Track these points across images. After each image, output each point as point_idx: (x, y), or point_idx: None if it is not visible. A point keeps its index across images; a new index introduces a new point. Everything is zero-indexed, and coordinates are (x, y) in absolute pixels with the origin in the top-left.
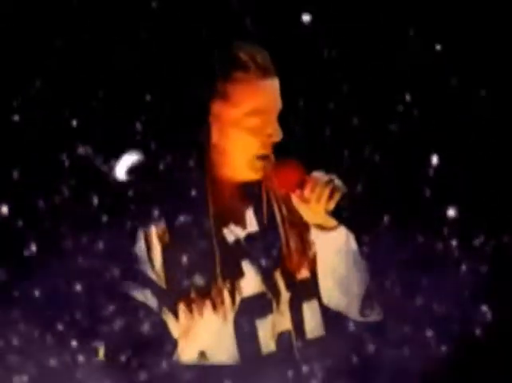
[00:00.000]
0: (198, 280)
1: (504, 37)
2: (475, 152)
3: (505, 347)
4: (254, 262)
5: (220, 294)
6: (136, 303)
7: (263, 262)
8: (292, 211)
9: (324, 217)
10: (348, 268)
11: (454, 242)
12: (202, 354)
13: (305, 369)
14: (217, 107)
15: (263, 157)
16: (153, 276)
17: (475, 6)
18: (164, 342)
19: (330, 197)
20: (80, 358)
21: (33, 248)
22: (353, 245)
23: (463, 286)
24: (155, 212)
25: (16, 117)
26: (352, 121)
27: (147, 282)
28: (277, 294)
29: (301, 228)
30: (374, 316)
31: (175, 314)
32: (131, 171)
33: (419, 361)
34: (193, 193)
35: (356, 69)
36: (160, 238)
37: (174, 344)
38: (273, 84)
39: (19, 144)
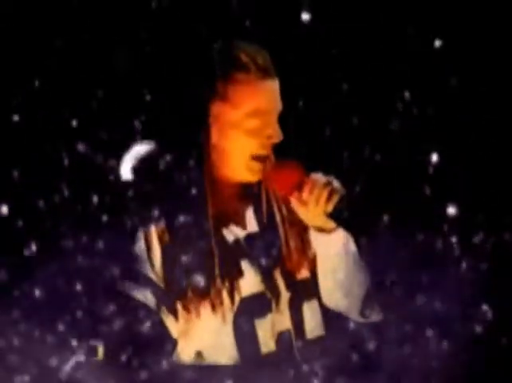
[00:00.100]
0: (197, 280)
1: (503, 34)
2: (475, 149)
3: (505, 345)
4: (254, 261)
5: (219, 294)
6: (136, 303)
7: (263, 261)
8: (292, 210)
9: (322, 219)
10: (347, 270)
11: (454, 240)
12: (199, 354)
13: (305, 368)
14: (217, 108)
15: (262, 158)
16: (152, 276)
17: (474, 3)
18: (164, 342)
19: (328, 199)
20: (81, 358)
21: (33, 248)
22: (352, 247)
23: (464, 283)
24: (155, 212)
25: (16, 117)
26: (351, 120)
27: (146, 282)
28: (276, 293)
29: (301, 228)
30: (374, 317)
31: (175, 314)
32: (140, 162)
33: (419, 359)
34: (192, 193)
35: (355, 68)
36: (160, 238)
37: (173, 344)
38: (273, 86)
39: (19, 144)
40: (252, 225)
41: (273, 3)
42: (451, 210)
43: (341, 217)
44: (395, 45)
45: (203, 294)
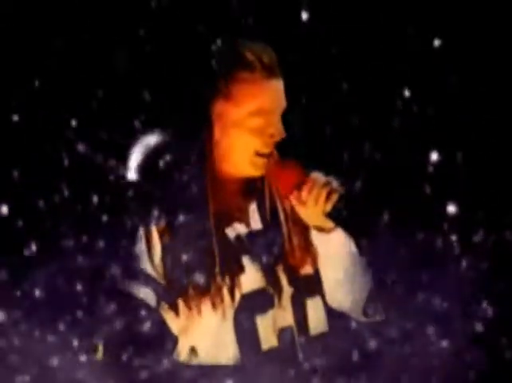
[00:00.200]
0: (198, 277)
1: (503, 33)
2: (475, 148)
3: (506, 343)
4: (256, 257)
5: (220, 290)
6: (136, 302)
7: (265, 257)
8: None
9: (321, 219)
10: (348, 269)
11: (454, 239)
12: (193, 350)
13: (306, 365)
14: (220, 106)
15: (265, 155)
16: (153, 273)
17: (474, 2)
18: (164, 341)
19: (327, 199)
20: (82, 358)
21: (33, 248)
22: (352, 247)
23: (464, 282)
24: (156, 209)
25: (16, 117)
26: (351, 118)
27: (146, 279)
28: (279, 289)
29: (305, 224)
30: (377, 316)
31: (176, 311)
32: (145, 159)
33: (419, 358)
34: (194, 190)
35: (354, 66)
36: (161, 235)
37: (174, 343)
38: (277, 85)
39: (19, 144)
40: (255, 221)
41: (273, 2)
42: (451, 208)
43: (340, 217)
44: (394, 44)
45: (204, 291)
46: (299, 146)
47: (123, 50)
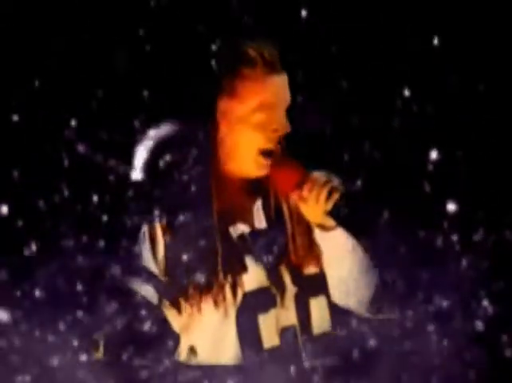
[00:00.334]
0: (201, 275)
1: (503, 31)
2: (475, 146)
3: (506, 342)
4: (259, 257)
5: (222, 289)
6: (137, 301)
7: (268, 256)
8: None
9: (323, 217)
10: (352, 267)
11: (454, 237)
12: (192, 350)
13: (308, 364)
14: (224, 103)
15: (269, 152)
16: (156, 270)
17: (473, 1)
18: (165, 340)
19: (328, 197)
20: (82, 357)
21: (33, 248)
22: (355, 245)
23: (464, 280)
24: (159, 207)
25: (15, 117)
26: (350, 117)
27: (149, 277)
28: (282, 288)
29: (308, 223)
30: (384, 314)
31: (178, 309)
32: (154, 152)
33: (420, 356)
34: (197, 188)
35: (354, 65)
36: (164, 233)
37: (175, 342)
38: (280, 80)
39: (19, 144)
40: (259, 220)
41: (273, 1)
42: (451, 207)
43: (340, 215)
44: (394, 43)
45: (206, 289)
46: (299, 145)
47: (123, 50)
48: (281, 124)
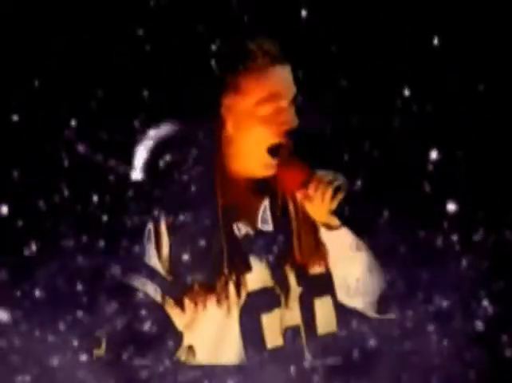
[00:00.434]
0: (205, 274)
1: (502, 31)
2: (475, 146)
3: (506, 342)
4: (264, 256)
5: (225, 288)
6: (138, 300)
7: (273, 256)
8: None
9: (328, 216)
10: (359, 266)
11: (454, 237)
12: (190, 349)
13: (310, 364)
14: (229, 100)
15: (276, 150)
16: (160, 268)
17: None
18: (166, 340)
19: (333, 197)
20: (82, 357)
21: (33, 248)
22: (360, 244)
23: (464, 280)
24: (164, 206)
25: (15, 117)
26: (350, 117)
27: (152, 274)
28: (286, 288)
29: (314, 223)
30: (390, 314)
31: (181, 306)
32: (157, 149)
33: (419, 356)
34: (202, 187)
35: (354, 65)
36: (168, 231)
37: (176, 342)
38: (282, 71)
39: (19, 144)
40: (265, 219)
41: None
42: (451, 207)
43: (344, 214)
44: (394, 43)
45: (210, 288)
46: (299, 145)
47: (122, 50)
48: (288, 116)
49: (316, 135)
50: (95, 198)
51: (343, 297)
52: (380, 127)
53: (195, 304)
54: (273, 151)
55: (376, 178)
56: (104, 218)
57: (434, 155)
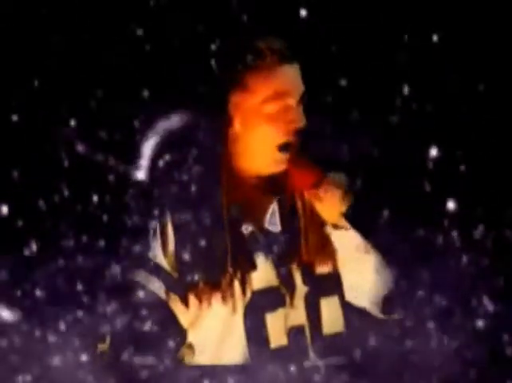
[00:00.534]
0: (210, 271)
1: (502, 29)
2: (475, 144)
3: (507, 340)
4: (269, 255)
5: (230, 286)
6: (139, 300)
7: (279, 255)
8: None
9: (338, 218)
10: (366, 268)
11: (454, 235)
12: (190, 347)
13: (316, 363)
14: (236, 97)
15: (286, 147)
16: (165, 265)
17: None
18: (167, 339)
19: (343, 199)
20: (83, 357)
21: (33, 248)
22: (368, 245)
23: (464, 278)
24: (170, 203)
25: (15, 117)
26: (350, 115)
27: (158, 271)
28: (291, 288)
29: (323, 222)
30: (396, 314)
31: (186, 303)
32: (173, 132)
33: (420, 354)
34: (208, 185)
35: (353, 63)
36: (174, 229)
37: (177, 341)
38: (291, 70)
39: (19, 144)
40: (273, 221)
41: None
42: (451, 205)
43: (352, 216)
44: (393, 41)
45: (215, 286)
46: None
47: (122, 50)
48: (296, 115)
49: (315, 134)
50: (95, 198)
51: (351, 297)
52: (379, 125)
53: (200, 301)
54: (283, 147)
55: (375, 176)
56: (105, 218)
57: (434, 153)
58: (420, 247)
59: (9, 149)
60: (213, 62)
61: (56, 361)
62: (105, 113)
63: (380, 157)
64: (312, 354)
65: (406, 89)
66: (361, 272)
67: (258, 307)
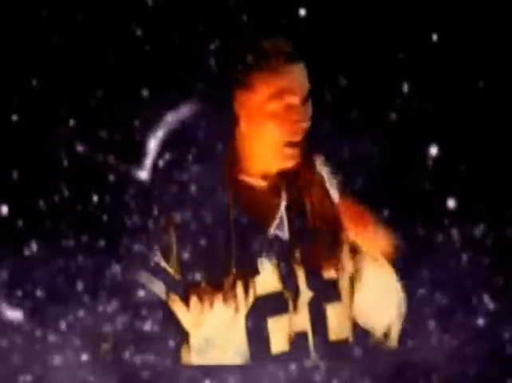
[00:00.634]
0: (212, 273)
1: (502, 27)
2: (475, 142)
3: (507, 338)
4: (274, 260)
5: (233, 288)
6: (139, 300)
7: (284, 259)
8: (325, 207)
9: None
10: (390, 303)
11: (454, 234)
12: (186, 347)
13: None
14: (241, 96)
15: (293, 145)
16: (168, 267)
17: None
18: (167, 339)
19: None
20: (84, 357)
21: (34, 248)
22: (391, 272)
23: (465, 276)
24: (173, 202)
25: (15, 117)
26: (350, 113)
27: (159, 272)
28: (295, 293)
29: (333, 227)
30: (392, 343)
31: (187, 304)
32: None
33: (420, 352)
34: (213, 185)
35: (353, 61)
36: (176, 229)
37: (177, 341)
38: (296, 70)
39: (19, 144)
40: (280, 227)
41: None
42: (451, 203)
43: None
44: (393, 39)
45: (217, 289)
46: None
47: (122, 50)
48: (302, 115)
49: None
50: (95, 198)
51: (361, 320)
52: (379, 123)
53: (202, 302)
54: (290, 145)
55: (375, 174)
56: (105, 217)
57: (434, 152)
58: (420, 246)
59: (9, 149)
60: (213, 62)
61: (56, 360)
62: (105, 113)
63: (380, 155)
64: (314, 360)
65: (406, 88)
66: (383, 308)
67: (260, 311)
